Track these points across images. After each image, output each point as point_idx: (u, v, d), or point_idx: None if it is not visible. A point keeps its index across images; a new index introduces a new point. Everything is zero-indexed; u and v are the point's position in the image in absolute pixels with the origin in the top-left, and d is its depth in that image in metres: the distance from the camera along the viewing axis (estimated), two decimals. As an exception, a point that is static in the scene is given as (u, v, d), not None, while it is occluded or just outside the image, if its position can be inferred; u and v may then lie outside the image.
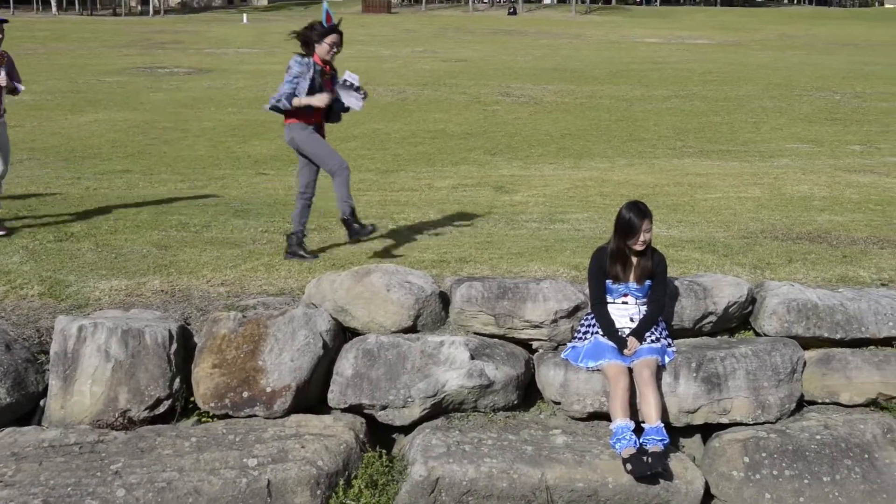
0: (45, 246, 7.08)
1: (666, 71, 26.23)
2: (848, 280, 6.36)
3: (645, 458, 4.78)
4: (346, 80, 6.63)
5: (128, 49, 34.71)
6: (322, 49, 6.51)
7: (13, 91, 7.26)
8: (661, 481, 4.82)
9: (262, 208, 8.88)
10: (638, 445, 4.87)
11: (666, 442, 4.94)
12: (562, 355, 5.43)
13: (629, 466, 4.78)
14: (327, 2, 6.88)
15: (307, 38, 6.54)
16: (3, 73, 7.10)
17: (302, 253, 6.68)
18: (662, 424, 4.99)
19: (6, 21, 7.09)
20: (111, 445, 4.90)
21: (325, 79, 6.60)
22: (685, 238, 7.54)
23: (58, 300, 5.87)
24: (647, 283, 5.31)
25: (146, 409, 5.19)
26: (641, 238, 5.18)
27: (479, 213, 8.80)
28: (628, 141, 14.82)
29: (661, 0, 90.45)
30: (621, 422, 4.95)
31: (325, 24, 6.54)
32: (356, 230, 6.70)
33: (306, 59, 6.51)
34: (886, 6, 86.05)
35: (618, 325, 5.28)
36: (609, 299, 5.33)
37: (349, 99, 6.67)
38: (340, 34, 6.59)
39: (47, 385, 5.30)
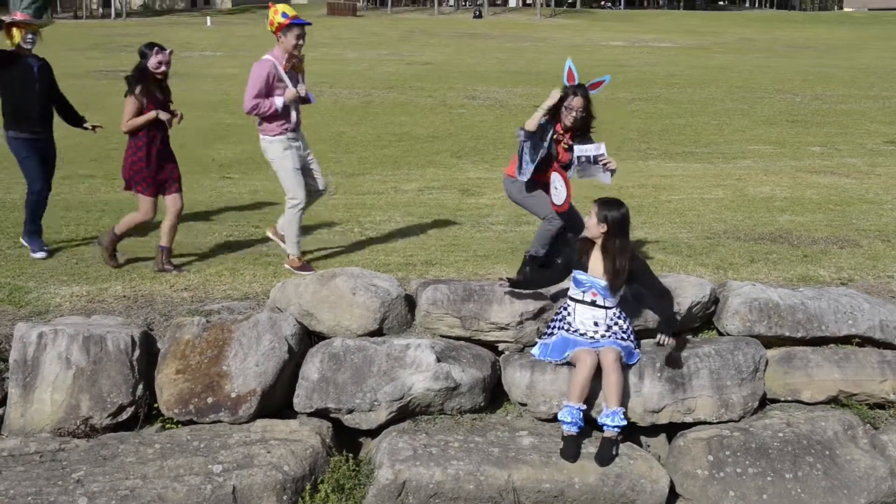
0: (3, 252, 6.97)
1: (630, 73, 26.43)
2: (809, 279, 6.45)
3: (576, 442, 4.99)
4: (580, 158, 5.82)
5: (90, 52, 34.27)
6: (563, 112, 5.83)
7: (306, 100, 6.49)
8: (628, 480, 4.85)
9: (226, 213, 8.80)
10: (579, 431, 5.02)
11: (620, 427, 5.03)
12: (531, 351, 5.47)
13: (562, 446, 4.96)
14: (570, 59, 5.95)
15: (556, 107, 5.82)
16: (302, 84, 6.42)
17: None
18: (621, 410, 5.07)
19: (309, 24, 6.37)
20: (73, 454, 4.83)
21: (563, 149, 5.94)
22: (649, 239, 7.61)
23: (17, 307, 5.78)
24: (621, 291, 5.31)
25: (109, 416, 5.13)
26: (591, 220, 5.26)
27: (445, 216, 8.81)
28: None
29: (625, 4, 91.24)
30: (573, 403, 5.06)
31: (566, 82, 5.86)
32: (521, 274, 6.07)
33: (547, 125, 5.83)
34: (845, 10, 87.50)
35: (583, 329, 5.30)
36: (578, 294, 5.33)
37: (595, 174, 5.87)
38: (586, 98, 5.82)
39: (6, 394, 5.21)
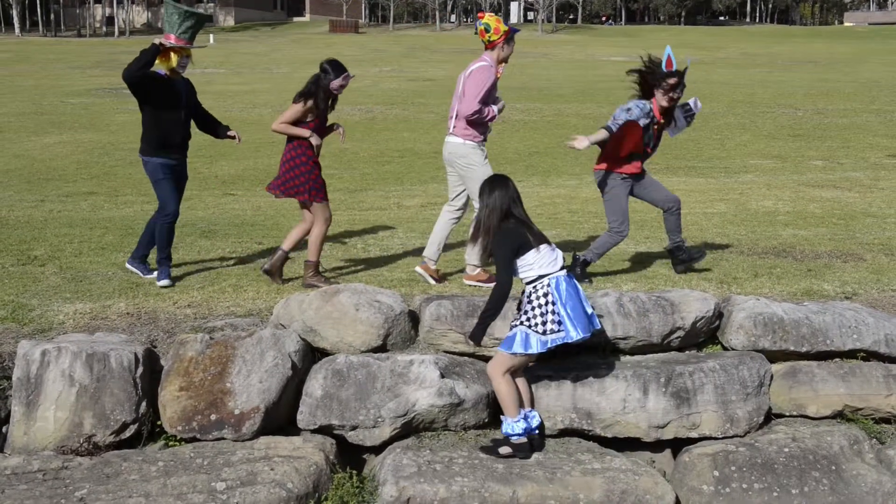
0: (7, 270, 6.98)
1: (632, 89, 26.51)
2: (813, 294, 6.44)
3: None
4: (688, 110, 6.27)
5: (92, 70, 34.46)
6: (659, 94, 6.06)
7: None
8: (633, 496, 4.82)
9: (229, 229, 8.81)
10: (524, 433, 5.01)
11: (517, 435, 4.98)
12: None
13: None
14: (670, 46, 6.24)
15: (646, 78, 6.08)
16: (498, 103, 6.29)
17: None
18: (514, 419, 4.98)
19: (517, 31, 6.22)
20: (76, 472, 4.81)
21: (657, 131, 6.12)
22: (653, 254, 7.61)
23: (21, 324, 5.77)
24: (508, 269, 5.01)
25: (112, 433, 5.11)
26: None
27: (447, 232, 8.79)
28: (595, 158, 14.95)
29: (625, 19, 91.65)
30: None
31: (664, 69, 6.04)
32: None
33: (647, 106, 6.06)
34: (846, 24, 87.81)
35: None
36: None
37: (679, 122, 6.26)
38: (681, 80, 6.06)
39: (10, 412, 5.20)
